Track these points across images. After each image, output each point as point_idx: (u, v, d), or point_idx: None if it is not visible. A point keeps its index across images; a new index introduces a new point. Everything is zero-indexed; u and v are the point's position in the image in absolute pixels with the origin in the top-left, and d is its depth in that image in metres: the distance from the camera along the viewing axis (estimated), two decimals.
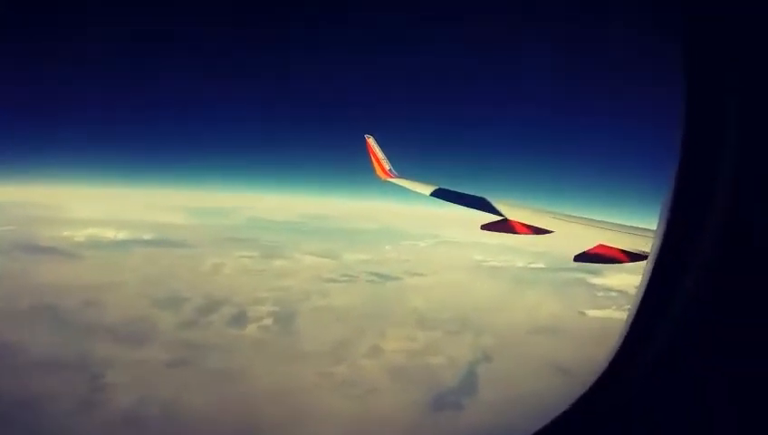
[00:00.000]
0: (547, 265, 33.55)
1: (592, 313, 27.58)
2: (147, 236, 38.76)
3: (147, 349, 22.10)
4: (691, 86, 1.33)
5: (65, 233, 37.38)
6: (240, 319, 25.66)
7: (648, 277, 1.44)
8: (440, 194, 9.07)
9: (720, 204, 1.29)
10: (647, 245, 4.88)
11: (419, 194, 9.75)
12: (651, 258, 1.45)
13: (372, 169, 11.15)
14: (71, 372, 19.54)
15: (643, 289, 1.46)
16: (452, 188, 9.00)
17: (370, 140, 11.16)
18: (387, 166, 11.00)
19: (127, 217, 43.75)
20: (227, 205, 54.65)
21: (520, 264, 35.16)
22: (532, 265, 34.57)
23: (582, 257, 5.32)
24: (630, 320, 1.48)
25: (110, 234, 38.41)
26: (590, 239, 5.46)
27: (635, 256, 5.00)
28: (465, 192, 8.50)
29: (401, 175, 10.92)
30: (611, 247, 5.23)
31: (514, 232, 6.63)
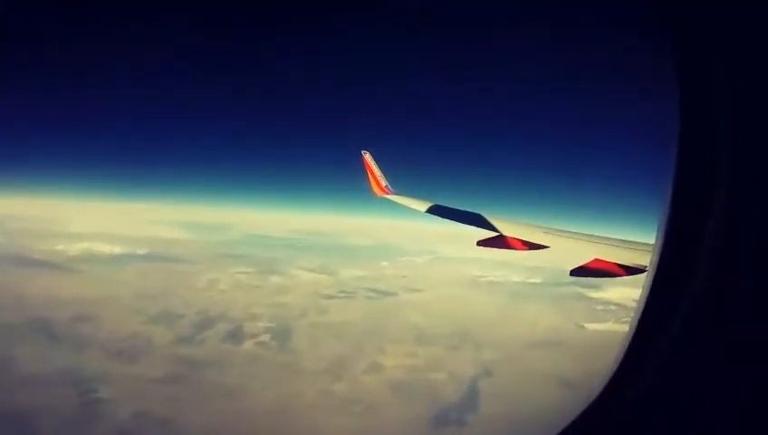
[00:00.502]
0: (544, 279, 33.53)
1: (592, 326, 27.49)
2: (142, 251, 38.48)
3: (141, 364, 21.83)
4: (685, 99, 1.36)
5: (59, 246, 37.09)
6: (236, 335, 25.42)
7: (648, 290, 1.46)
8: (436, 211, 9.11)
9: (717, 215, 1.31)
10: (642, 258, 4.91)
11: (416, 210, 9.78)
12: (651, 271, 1.47)
13: (369, 186, 11.19)
14: (63, 387, 19.24)
15: (643, 301, 1.48)
16: (448, 205, 9.04)
17: (367, 157, 11.22)
18: (383, 182, 11.04)
19: (122, 231, 43.45)
20: (224, 220, 54.49)
21: (517, 279, 35.13)
22: (530, 280, 34.54)
23: (579, 272, 5.34)
24: (632, 332, 1.50)
25: (104, 248, 38.11)
26: (585, 254, 5.49)
27: (631, 270, 5.02)
28: (461, 208, 8.54)
29: (398, 191, 10.95)
30: (607, 261, 5.26)
31: (510, 247, 6.67)
